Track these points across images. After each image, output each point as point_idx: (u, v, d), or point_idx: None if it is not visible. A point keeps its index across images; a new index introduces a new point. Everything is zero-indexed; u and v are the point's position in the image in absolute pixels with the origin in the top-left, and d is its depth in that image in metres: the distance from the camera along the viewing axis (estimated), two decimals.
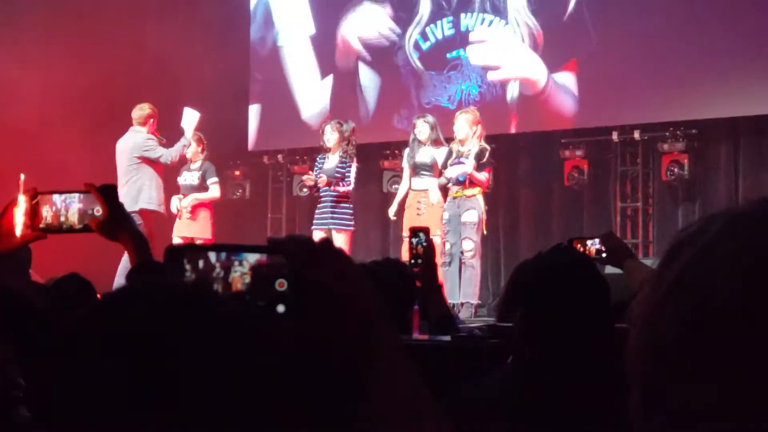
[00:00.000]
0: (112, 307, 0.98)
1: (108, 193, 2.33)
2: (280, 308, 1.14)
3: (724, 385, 0.79)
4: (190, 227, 10.09)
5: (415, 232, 3.75)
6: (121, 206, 2.34)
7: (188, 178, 10.26)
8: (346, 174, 9.52)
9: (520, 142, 11.25)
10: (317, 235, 9.50)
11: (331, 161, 9.59)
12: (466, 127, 9.15)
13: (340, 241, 9.37)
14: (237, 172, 12.65)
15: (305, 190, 9.97)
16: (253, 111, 12.60)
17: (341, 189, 9.49)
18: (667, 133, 10.40)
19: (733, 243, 0.82)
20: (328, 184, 9.44)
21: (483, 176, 9.10)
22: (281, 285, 1.15)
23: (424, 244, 3.68)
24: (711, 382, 0.79)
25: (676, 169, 10.35)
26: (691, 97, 10.15)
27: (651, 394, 0.83)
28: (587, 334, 2.17)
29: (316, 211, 9.76)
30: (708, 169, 10.43)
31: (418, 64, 11.50)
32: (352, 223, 9.68)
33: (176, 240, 9.72)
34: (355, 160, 9.62)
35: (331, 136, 9.59)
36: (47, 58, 11.22)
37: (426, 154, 9.39)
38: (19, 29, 11.30)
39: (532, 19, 10.95)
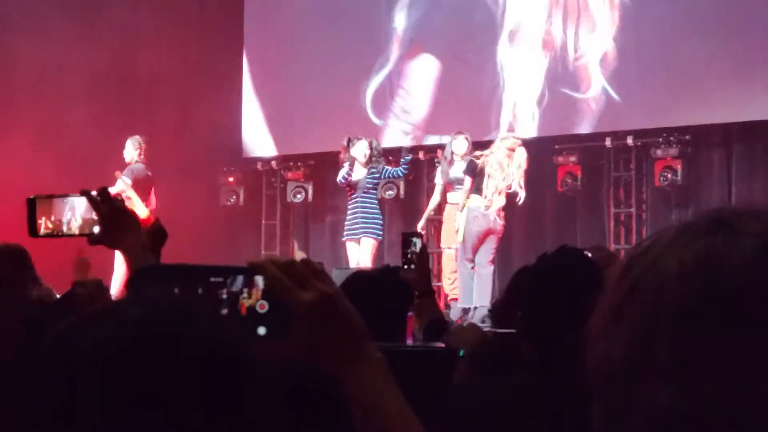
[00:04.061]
0: (85, 330, 0.95)
1: (102, 198, 2.24)
2: (261, 330, 1.13)
3: (680, 386, 0.80)
4: None
5: (407, 237, 3.77)
6: (116, 212, 2.23)
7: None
8: (375, 185, 9.96)
9: None
10: (349, 246, 9.80)
11: (360, 173, 9.82)
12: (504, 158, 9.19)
13: (368, 247, 9.62)
14: (230, 179, 12.64)
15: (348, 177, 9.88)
16: (247, 117, 12.60)
17: (372, 197, 9.86)
18: (660, 139, 10.42)
19: (680, 252, 0.84)
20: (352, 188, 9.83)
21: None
22: (262, 307, 1.13)
23: (417, 249, 3.70)
24: (666, 385, 0.80)
25: (669, 175, 10.37)
26: (684, 103, 10.18)
27: (610, 405, 0.84)
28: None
29: (347, 221, 9.93)
30: (701, 175, 10.46)
31: None
32: (382, 232, 9.89)
33: None
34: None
35: (366, 152, 9.82)
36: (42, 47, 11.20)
37: (460, 169, 9.50)
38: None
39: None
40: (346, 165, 9.82)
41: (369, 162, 9.85)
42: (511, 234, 11.26)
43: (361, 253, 9.68)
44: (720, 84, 9.88)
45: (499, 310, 4.09)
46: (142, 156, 10.09)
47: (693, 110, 10.18)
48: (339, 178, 9.92)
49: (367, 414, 1.12)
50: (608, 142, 10.72)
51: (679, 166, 10.34)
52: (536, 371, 2.21)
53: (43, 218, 2.30)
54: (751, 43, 9.78)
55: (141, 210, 9.53)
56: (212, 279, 1.15)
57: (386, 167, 9.96)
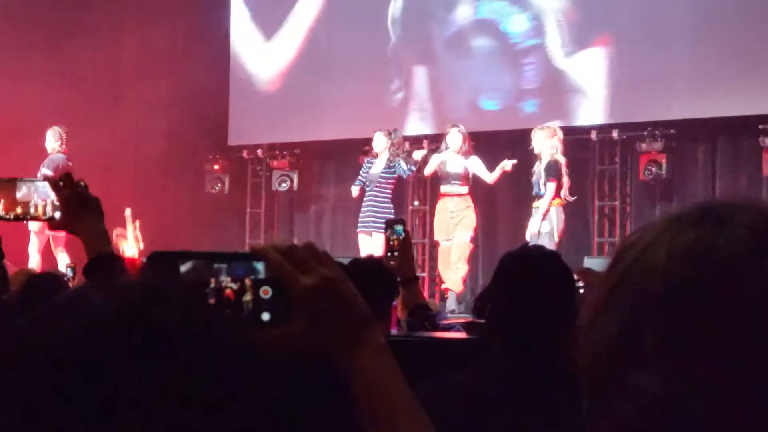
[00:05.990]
0: (58, 316, 0.92)
1: (64, 184, 2.25)
2: (265, 316, 1.11)
3: (667, 374, 0.81)
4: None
5: (390, 224, 3.78)
6: (77, 198, 2.24)
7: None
8: (390, 179, 9.78)
9: (500, 139, 11.27)
10: (362, 238, 9.78)
11: (378, 166, 9.79)
12: (542, 143, 9.20)
13: (380, 242, 9.53)
14: (216, 167, 12.62)
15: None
16: (233, 106, 12.57)
17: (386, 191, 9.77)
18: (645, 133, 10.46)
19: (669, 241, 0.85)
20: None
21: (550, 190, 9.18)
22: (266, 292, 1.12)
23: (401, 236, 3.71)
24: (654, 373, 0.81)
25: (653, 169, 10.41)
26: (669, 97, 10.21)
27: (600, 395, 0.85)
28: (553, 326, 2.18)
29: (360, 213, 9.93)
30: (685, 169, 10.50)
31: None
32: None
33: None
34: (408, 162, 9.86)
35: (380, 142, 9.78)
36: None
37: (458, 164, 9.48)
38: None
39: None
40: (368, 161, 9.84)
41: (385, 152, 9.77)
42: (496, 225, 11.29)
43: (374, 247, 9.67)
44: (705, 78, 9.92)
45: (481, 301, 4.11)
46: (63, 146, 10.14)
47: (678, 104, 10.21)
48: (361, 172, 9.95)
49: (370, 399, 1.11)
50: (593, 135, 10.75)
51: (663, 160, 10.39)
52: (503, 363, 2.22)
53: (3, 200, 2.30)
54: (735, 38, 9.81)
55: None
56: (215, 265, 1.13)
57: (400, 164, 9.79)
